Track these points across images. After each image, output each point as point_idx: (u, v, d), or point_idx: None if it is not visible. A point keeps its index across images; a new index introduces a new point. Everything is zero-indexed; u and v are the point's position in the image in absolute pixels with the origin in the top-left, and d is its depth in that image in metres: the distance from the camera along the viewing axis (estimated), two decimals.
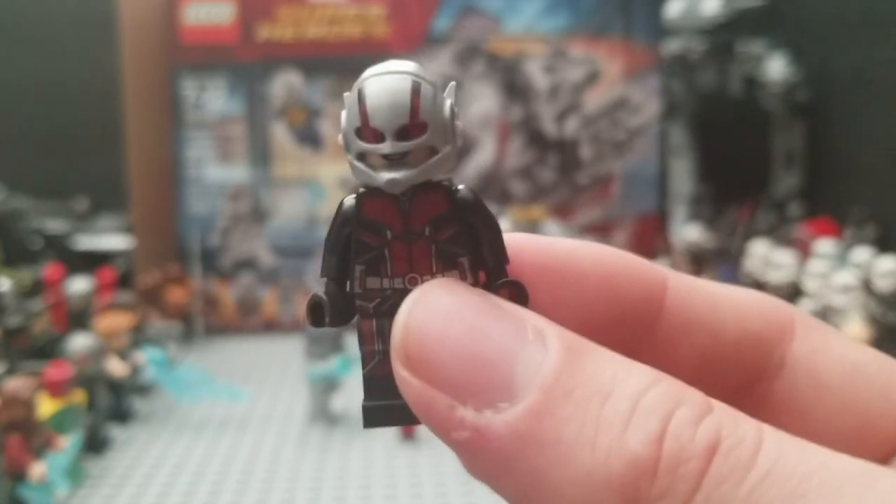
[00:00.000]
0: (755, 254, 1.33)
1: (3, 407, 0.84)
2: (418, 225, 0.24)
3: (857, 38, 1.47)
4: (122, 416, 1.11)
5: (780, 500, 0.18)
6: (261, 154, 1.52)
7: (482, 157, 1.53)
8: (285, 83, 1.51)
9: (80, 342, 1.04)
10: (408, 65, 0.24)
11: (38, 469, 0.84)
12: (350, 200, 0.25)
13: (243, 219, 1.53)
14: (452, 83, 0.25)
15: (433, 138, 0.23)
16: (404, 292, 0.23)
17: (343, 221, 0.25)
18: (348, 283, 0.25)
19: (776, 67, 1.60)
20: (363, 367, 0.25)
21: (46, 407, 0.93)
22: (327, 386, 1.11)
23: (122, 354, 1.12)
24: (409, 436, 1.04)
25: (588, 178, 1.56)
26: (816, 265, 1.19)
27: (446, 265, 0.24)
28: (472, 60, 1.52)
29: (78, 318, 1.22)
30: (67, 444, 0.90)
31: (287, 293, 1.54)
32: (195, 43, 1.50)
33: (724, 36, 1.71)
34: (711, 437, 0.19)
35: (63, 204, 1.64)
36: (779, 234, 1.47)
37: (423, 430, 1.06)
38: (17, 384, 0.87)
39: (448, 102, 0.24)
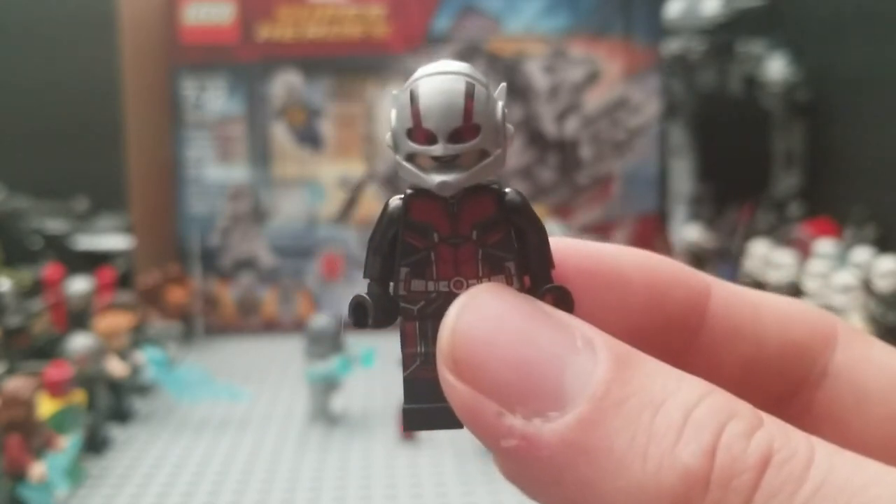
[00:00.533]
0: (755, 254, 1.33)
1: (3, 407, 0.84)
2: (466, 228, 0.24)
3: (857, 38, 1.47)
4: (122, 416, 1.11)
5: None
6: (261, 154, 1.52)
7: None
8: (285, 83, 1.51)
9: (80, 342, 1.04)
10: (461, 65, 0.23)
11: (38, 469, 0.84)
12: (396, 201, 0.24)
13: (243, 219, 1.53)
14: (503, 85, 0.24)
15: (485, 141, 0.23)
16: (449, 295, 0.23)
17: (389, 222, 0.24)
18: (392, 284, 0.25)
19: (776, 67, 1.60)
20: (404, 370, 0.24)
21: (46, 407, 0.92)
22: (327, 386, 1.11)
23: (122, 354, 1.12)
24: (409, 436, 1.04)
25: (588, 178, 1.56)
26: (816, 265, 1.19)
27: (492, 269, 0.24)
28: (472, 60, 1.51)
29: (78, 318, 1.22)
30: (67, 444, 0.90)
31: (287, 293, 1.54)
32: (195, 43, 1.50)
33: (724, 36, 1.71)
34: (764, 450, 0.19)
35: (63, 204, 1.64)
36: (779, 234, 1.46)
37: (423, 431, 1.06)
38: (17, 384, 0.87)
39: (500, 105, 0.24)
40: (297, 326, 1.43)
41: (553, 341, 0.21)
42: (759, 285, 1.25)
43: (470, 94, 0.23)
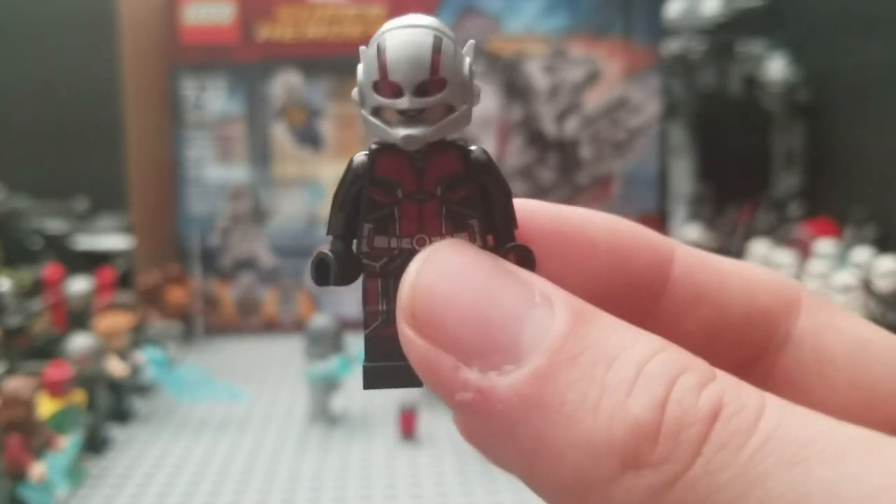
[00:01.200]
0: (755, 254, 1.33)
1: (3, 407, 0.84)
2: (431, 184, 0.24)
3: (857, 38, 1.47)
4: (122, 416, 1.11)
5: (781, 466, 0.18)
6: (261, 154, 1.52)
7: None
8: (285, 83, 1.51)
9: (80, 342, 1.04)
10: (428, 19, 0.23)
11: (38, 469, 0.84)
12: (361, 157, 0.24)
13: (243, 219, 1.53)
14: (471, 41, 0.24)
15: (451, 96, 0.23)
16: (412, 253, 0.23)
17: (353, 178, 0.24)
18: (355, 242, 0.24)
19: (776, 67, 1.60)
20: (365, 328, 0.24)
21: (46, 407, 0.92)
22: (327, 386, 1.11)
23: (122, 354, 1.12)
24: (409, 436, 1.04)
25: (588, 178, 1.56)
26: (816, 265, 1.19)
27: (456, 227, 0.24)
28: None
29: (78, 318, 1.22)
30: (67, 444, 0.90)
31: (287, 293, 1.54)
32: (195, 43, 1.50)
33: (724, 36, 1.71)
34: (714, 403, 0.19)
35: (63, 204, 1.64)
36: (779, 234, 1.46)
37: (423, 431, 1.06)
38: (17, 384, 0.87)
39: (467, 60, 0.24)
40: (297, 326, 1.43)
41: (512, 297, 0.21)
42: None
43: (437, 48, 0.23)
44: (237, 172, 1.52)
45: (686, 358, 0.20)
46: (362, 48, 0.24)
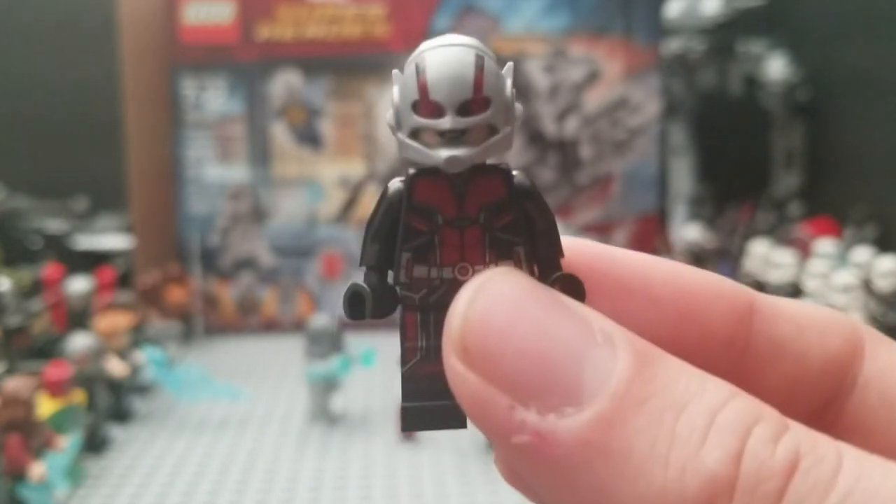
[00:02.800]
0: (755, 254, 1.33)
1: (3, 407, 0.84)
2: (473, 210, 0.22)
3: (857, 38, 1.47)
4: (122, 416, 1.11)
5: None
6: (261, 154, 1.52)
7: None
8: (285, 83, 1.51)
9: (80, 342, 1.04)
10: (469, 39, 0.22)
11: (37, 469, 0.84)
12: (396, 184, 0.23)
13: (243, 219, 1.53)
14: (510, 63, 0.23)
15: (495, 116, 0.22)
16: (454, 283, 0.22)
17: (388, 206, 0.23)
18: (391, 273, 0.23)
19: (776, 67, 1.60)
20: (402, 365, 0.23)
21: (46, 407, 0.92)
22: (327, 386, 1.11)
23: (122, 354, 1.12)
24: (409, 435, 1.04)
25: (588, 177, 1.56)
26: (816, 265, 1.19)
27: (500, 255, 0.23)
28: None
29: (78, 317, 1.22)
30: (67, 444, 0.90)
31: (287, 293, 1.54)
32: (195, 43, 1.50)
33: (724, 36, 1.71)
34: (791, 455, 0.18)
35: (63, 204, 1.64)
36: (779, 234, 1.46)
37: (423, 430, 1.06)
38: (17, 384, 0.87)
39: (508, 81, 0.23)
40: (297, 326, 1.43)
41: (571, 333, 0.20)
42: (760, 285, 1.26)
43: (480, 66, 0.22)
44: (237, 172, 1.52)
45: (758, 407, 0.19)
46: (395, 72, 0.23)
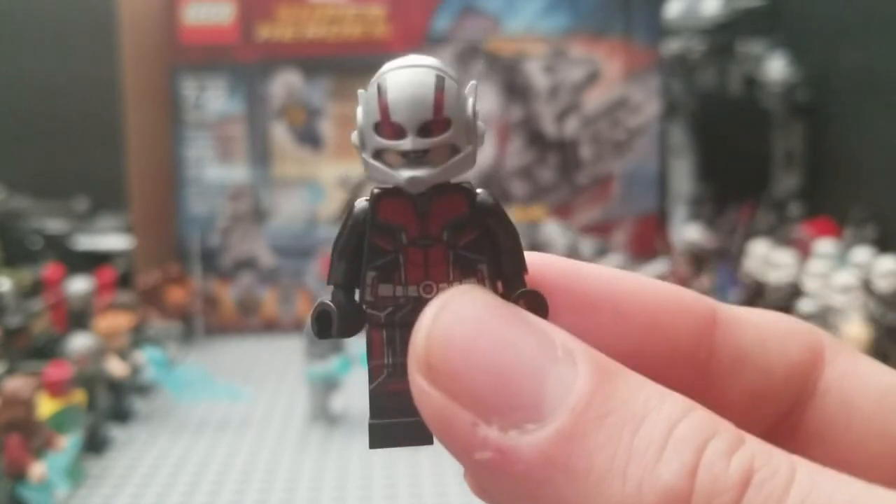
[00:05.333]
0: (755, 254, 1.33)
1: (3, 407, 0.84)
2: (436, 229, 0.23)
3: (857, 38, 1.47)
4: (122, 416, 1.11)
5: None
6: (261, 154, 1.52)
7: (482, 157, 1.52)
8: (285, 83, 1.51)
9: (80, 342, 1.04)
10: (429, 59, 0.22)
11: (38, 469, 0.84)
12: (362, 203, 0.23)
13: (243, 219, 1.53)
14: (473, 82, 0.23)
15: (456, 136, 0.22)
16: (419, 301, 0.22)
17: (354, 225, 0.23)
18: (357, 291, 0.23)
19: (776, 67, 1.60)
20: (370, 382, 0.23)
21: (46, 407, 0.93)
22: (327, 386, 1.11)
23: (122, 354, 1.12)
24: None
25: (588, 178, 1.56)
26: (816, 265, 1.19)
27: (464, 272, 0.23)
28: (472, 60, 1.52)
29: (78, 318, 1.22)
30: (67, 444, 0.90)
31: (287, 293, 1.54)
32: (195, 43, 1.50)
33: (724, 36, 1.71)
34: (745, 469, 0.18)
35: (63, 204, 1.64)
36: (779, 234, 1.46)
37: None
38: (17, 384, 0.87)
39: (470, 100, 0.23)
40: (297, 326, 1.43)
41: (532, 349, 0.20)
42: (760, 285, 1.26)
43: (440, 87, 0.22)
44: (237, 172, 1.52)
45: (714, 421, 0.20)
46: (360, 91, 0.23)
